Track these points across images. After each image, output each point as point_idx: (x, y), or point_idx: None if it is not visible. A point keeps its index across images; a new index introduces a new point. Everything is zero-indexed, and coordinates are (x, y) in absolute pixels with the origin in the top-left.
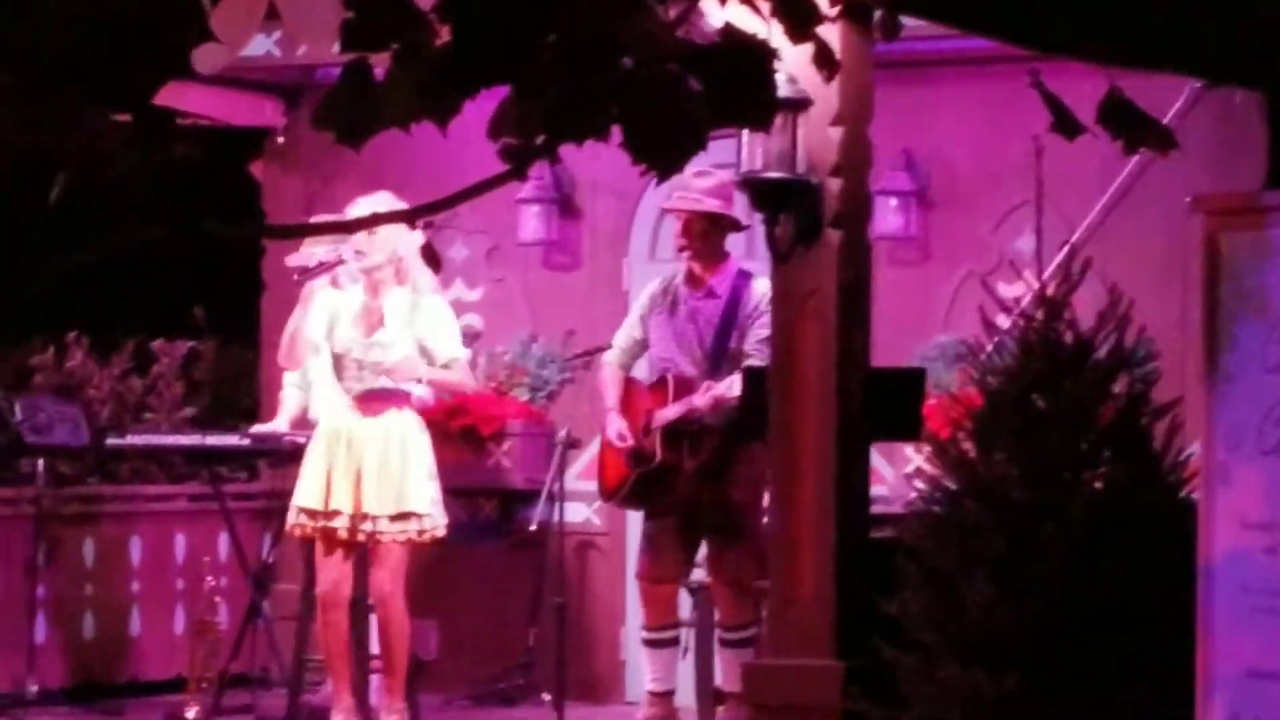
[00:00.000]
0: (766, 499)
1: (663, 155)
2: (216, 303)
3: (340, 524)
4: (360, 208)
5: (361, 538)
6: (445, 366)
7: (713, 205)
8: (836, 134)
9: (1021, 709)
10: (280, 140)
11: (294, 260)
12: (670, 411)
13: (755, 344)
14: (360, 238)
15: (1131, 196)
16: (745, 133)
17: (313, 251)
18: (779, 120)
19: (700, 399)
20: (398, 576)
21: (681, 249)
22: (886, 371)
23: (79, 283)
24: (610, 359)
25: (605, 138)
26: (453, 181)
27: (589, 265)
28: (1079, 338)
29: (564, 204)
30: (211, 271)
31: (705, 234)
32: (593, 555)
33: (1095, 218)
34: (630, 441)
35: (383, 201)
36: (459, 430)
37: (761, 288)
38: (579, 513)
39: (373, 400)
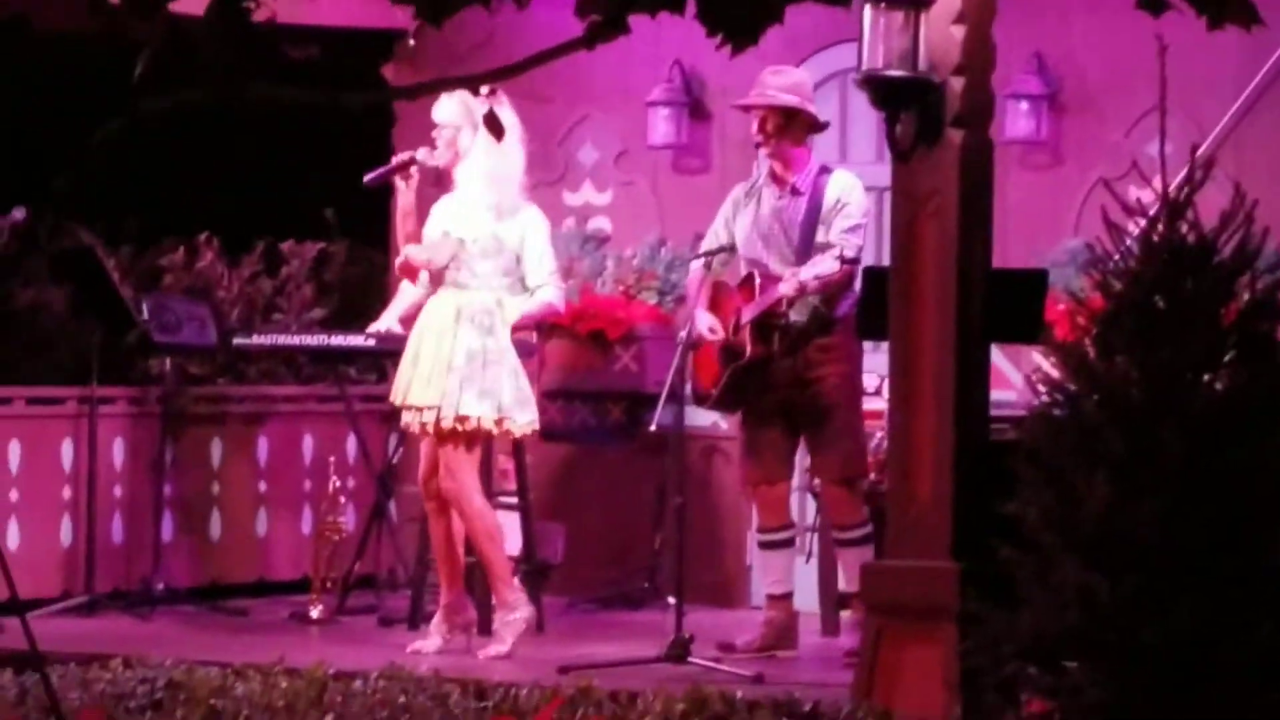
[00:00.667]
0: (886, 392)
1: (738, 26)
2: (348, 205)
3: (410, 417)
4: (443, 102)
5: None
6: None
7: (787, 100)
8: (959, 32)
9: (1138, 611)
10: (411, 43)
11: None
12: (757, 304)
13: (841, 234)
14: (437, 135)
15: (1267, 100)
16: (866, 31)
17: (434, 154)
18: (900, 18)
19: (785, 285)
20: (456, 473)
21: (759, 145)
22: (1007, 273)
23: (211, 185)
24: (697, 264)
25: (680, 11)
26: (581, 85)
27: (718, 168)
28: (1202, 239)
29: (694, 107)
30: (343, 174)
31: (781, 130)
32: (718, 459)
33: (1229, 122)
34: (721, 334)
35: (467, 93)
36: (587, 334)
37: (841, 180)
38: (705, 417)
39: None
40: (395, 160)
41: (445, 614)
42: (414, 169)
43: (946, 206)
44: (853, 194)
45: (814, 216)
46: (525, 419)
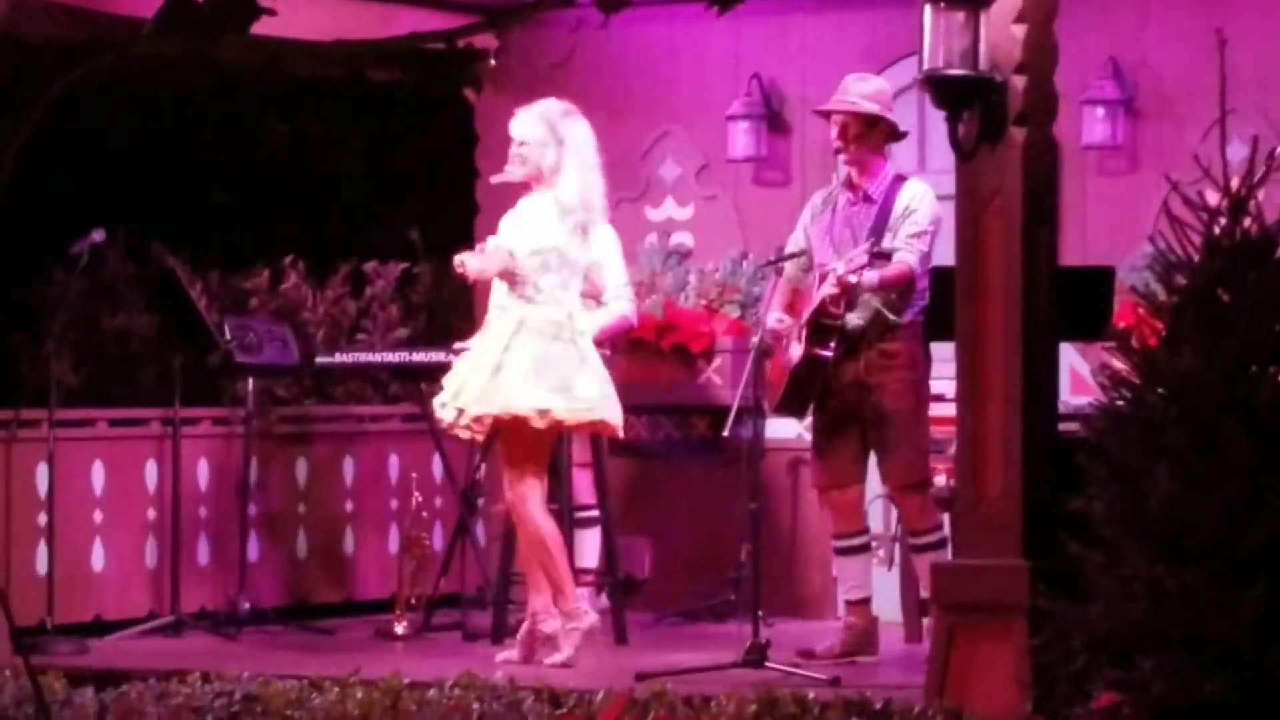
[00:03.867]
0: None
1: None
2: (432, 225)
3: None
4: (520, 118)
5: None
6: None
7: (869, 107)
8: (1020, 31)
9: (1206, 603)
10: (492, 63)
11: (497, 179)
12: (808, 304)
13: (905, 239)
14: (519, 151)
15: None
16: (927, 31)
17: (512, 170)
18: (960, 18)
19: (826, 285)
20: (512, 482)
21: (838, 151)
22: (1073, 270)
23: (297, 209)
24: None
25: None
26: (661, 101)
27: (799, 181)
28: (1264, 232)
29: (773, 120)
30: (428, 194)
31: (861, 137)
32: (804, 471)
33: None
34: (788, 323)
35: (547, 108)
36: (670, 348)
37: (912, 188)
38: (790, 429)
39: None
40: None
41: (531, 624)
42: None
43: (1010, 205)
44: (922, 202)
45: (882, 223)
46: (614, 415)
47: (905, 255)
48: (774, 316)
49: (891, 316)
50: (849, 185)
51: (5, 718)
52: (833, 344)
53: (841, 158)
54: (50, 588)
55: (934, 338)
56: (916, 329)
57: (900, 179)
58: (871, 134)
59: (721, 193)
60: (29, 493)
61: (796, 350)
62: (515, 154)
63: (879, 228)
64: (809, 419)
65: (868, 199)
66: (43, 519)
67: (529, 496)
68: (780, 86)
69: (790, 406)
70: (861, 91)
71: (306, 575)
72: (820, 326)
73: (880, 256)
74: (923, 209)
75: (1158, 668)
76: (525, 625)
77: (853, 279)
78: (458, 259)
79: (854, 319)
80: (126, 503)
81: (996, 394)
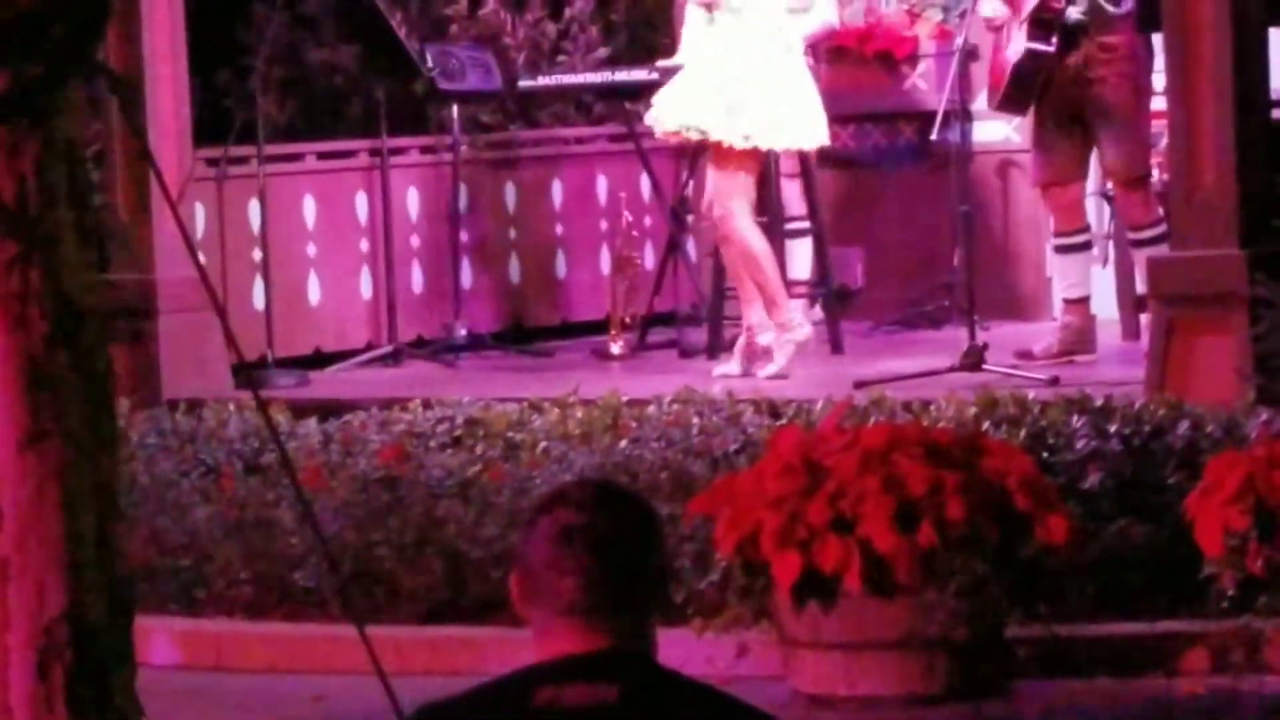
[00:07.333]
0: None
1: None
2: None
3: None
4: None
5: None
6: None
7: None
8: None
9: None
10: None
11: None
12: None
13: None
14: None
15: None
16: None
17: None
18: None
19: None
20: (720, 196)
21: None
22: None
23: None
24: None
25: None
26: None
27: None
28: None
29: None
30: None
31: None
32: (1014, 173)
33: None
34: (1004, 13)
35: None
36: (873, 54)
37: None
38: (998, 131)
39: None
40: None
41: (748, 337)
42: None
43: None
44: None
45: None
46: (809, 135)
47: None
48: (991, 5)
49: (1110, 8)
50: None
51: (232, 450)
52: (1054, 38)
53: None
54: (269, 322)
55: (1144, 28)
56: (1135, 20)
57: None
58: None
59: None
60: (242, 229)
61: (1018, 44)
62: None
63: None
64: (1019, 119)
65: None
66: (257, 255)
67: (737, 211)
68: None
69: (1013, 103)
70: None
71: (520, 299)
72: (1041, 20)
73: None
74: None
75: None
76: (741, 339)
77: None
78: None
79: (1073, 12)
80: (339, 235)
81: (1207, 83)
